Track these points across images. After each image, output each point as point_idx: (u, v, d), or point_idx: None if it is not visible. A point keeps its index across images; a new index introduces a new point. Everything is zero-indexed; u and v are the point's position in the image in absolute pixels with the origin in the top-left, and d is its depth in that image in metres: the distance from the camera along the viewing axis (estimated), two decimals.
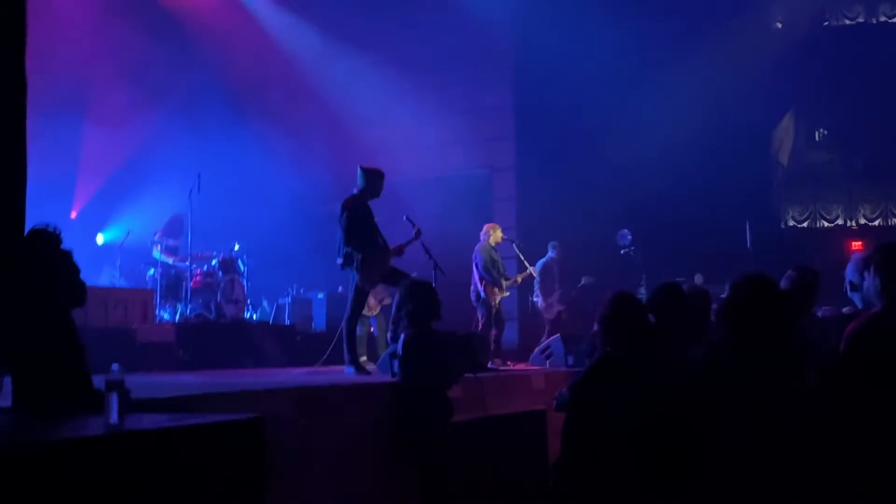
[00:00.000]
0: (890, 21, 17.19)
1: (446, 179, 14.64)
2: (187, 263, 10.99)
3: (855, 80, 16.29)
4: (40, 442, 2.83)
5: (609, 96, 14.06)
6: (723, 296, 3.73)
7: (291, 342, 11.11)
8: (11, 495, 2.47)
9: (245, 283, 11.45)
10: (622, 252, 12.96)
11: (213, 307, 10.85)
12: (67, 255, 3.96)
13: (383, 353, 7.93)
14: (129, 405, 3.28)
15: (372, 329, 10.53)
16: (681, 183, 14.26)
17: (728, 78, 14.40)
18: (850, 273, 4.03)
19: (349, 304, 7.44)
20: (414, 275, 7.61)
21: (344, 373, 7.32)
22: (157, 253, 11.36)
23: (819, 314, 5.68)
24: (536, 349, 9.83)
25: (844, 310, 5.58)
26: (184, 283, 10.96)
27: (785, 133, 17.44)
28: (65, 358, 3.78)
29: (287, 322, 12.07)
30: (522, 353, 11.07)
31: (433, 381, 5.83)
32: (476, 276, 10.07)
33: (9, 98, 4.12)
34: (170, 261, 11.33)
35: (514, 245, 10.88)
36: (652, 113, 14.02)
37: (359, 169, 7.60)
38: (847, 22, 17.23)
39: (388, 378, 6.54)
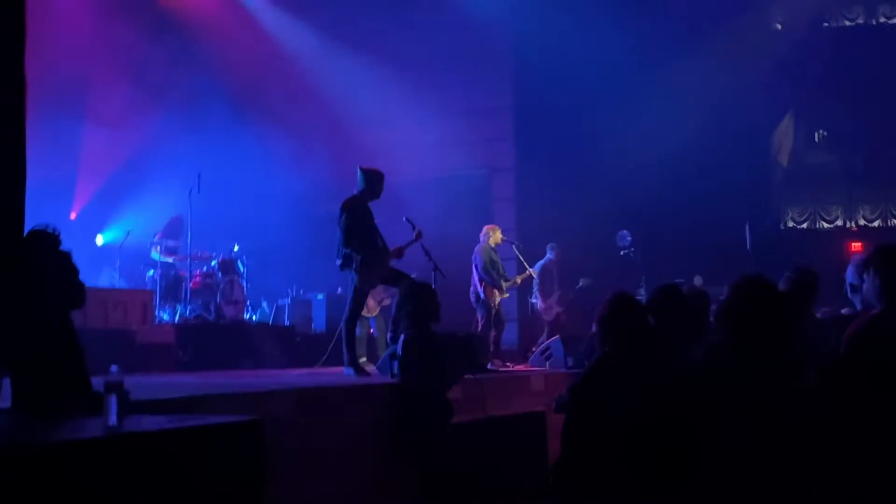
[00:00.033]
0: (890, 22, 17.17)
1: (446, 180, 14.63)
2: (187, 263, 11.00)
3: (855, 81, 16.27)
4: (39, 443, 2.83)
5: (609, 97, 14.06)
6: (722, 297, 3.73)
7: (291, 343, 11.10)
8: (11, 496, 2.47)
9: (244, 284, 11.44)
10: (622, 253, 12.96)
11: (212, 308, 10.85)
12: (67, 255, 3.97)
13: (383, 354, 7.94)
14: (129, 406, 3.28)
15: (371, 330, 10.53)
16: (680, 184, 14.26)
17: (728, 79, 14.40)
18: (850, 275, 4.04)
19: (348, 305, 7.43)
20: (414, 276, 7.62)
21: (343, 374, 7.32)
22: (155, 254, 11.35)
23: (818, 315, 5.68)
24: (536, 351, 9.83)
25: (843, 311, 5.59)
26: (183, 284, 10.96)
27: (784, 134, 17.43)
28: (64, 359, 3.77)
29: (286, 323, 12.06)
30: (522, 355, 11.07)
31: (433, 382, 5.83)
32: (475, 277, 10.06)
33: (8, 98, 4.12)
34: (170, 259, 11.33)
35: (513, 246, 10.87)
36: (651, 114, 14.01)
37: (358, 170, 7.60)
38: (847, 23, 17.21)
39: (387, 379, 6.54)
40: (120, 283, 11.35)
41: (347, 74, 14.32)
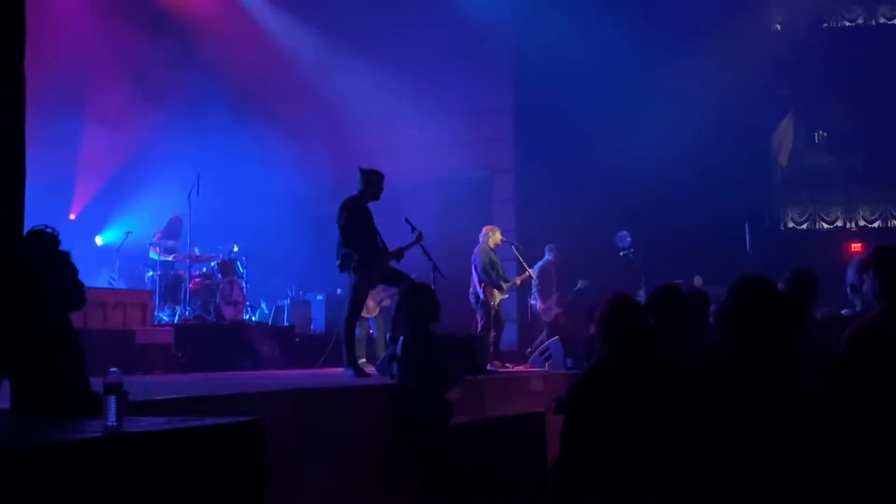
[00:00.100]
0: (889, 22, 17.16)
1: (445, 181, 14.63)
2: (187, 262, 11.00)
3: (855, 81, 16.27)
4: (39, 443, 2.83)
5: (609, 98, 14.06)
6: (722, 297, 3.73)
7: (290, 344, 11.11)
8: (10, 497, 2.46)
9: (244, 285, 11.44)
10: (621, 254, 12.97)
11: (211, 309, 10.85)
12: (66, 256, 3.96)
13: (383, 355, 7.94)
14: (128, 407, 3.28)
15: (371, 331, 10.54)
16: (680, 184, 14.27)
17: (727, 79, 14.40)
18: (851, 276, 4.03)
19: (347, 305, 7.43)
20: (413, 276, 7.61)
21: (343, 374, 7.32)
22: (154, 254, 11.34)
23: (818, 316, 5.68)
24: (535, 351, 9.84)
25: (843, 312, 5.59)
26: (183, 285, 10.97)
27: (784, 135, 17.42)
28: (63, 360, 3.77)
29: (286, 324, 12.06)
30: (521, 356, 11.07)
31: (432, 383, 5.83)
32: (475, 278, 10.06)
33: (8, 98, 4.11)
34: (169, 258, 11.33)
35: (513, 247, 10.86)
36: (651, 114, 14.01)
37: (358, 170, 7.60)
38: (846, 23, 17.21)
39: (387, 380, 6.53)
40: (119, 283, 11.35)
41: (347, 74, 14.32)
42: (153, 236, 11.53)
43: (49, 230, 3.90)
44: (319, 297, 12.52)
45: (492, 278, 9.99)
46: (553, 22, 14.16)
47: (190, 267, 11.04)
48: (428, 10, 14.14)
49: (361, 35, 14.40)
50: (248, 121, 13.48)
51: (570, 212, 13.71)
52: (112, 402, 3.15)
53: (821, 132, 17.67)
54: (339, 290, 11.50)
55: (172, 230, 11.55)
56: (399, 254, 7.56)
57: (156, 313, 10.63)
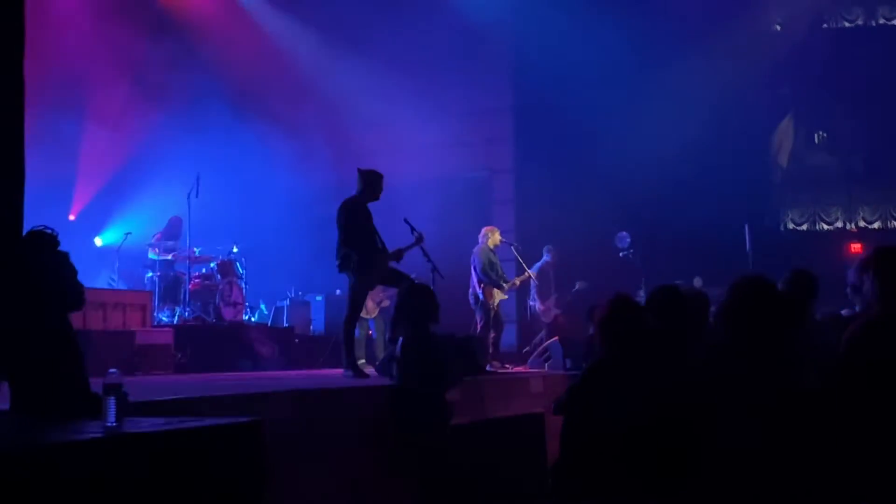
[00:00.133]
0: (889, 23, 17.16)
1: (445, 181, 14.62)
2: (186, 263, 11.00)
3: (854, 81, 16.27)
4: (39, 444, 2.83)
5: (608, 98, 14.06)
6: (722, 298, 3.73)
7: (290, 345, 11.11)
8: (10, 497, 2.46)
9: (243, 286, 11.44)
10: (621, 255, 12.97)
11: (211, 310, 10.85)
12: (65, 256, 3.96)
13: (382, 356, 7.93)
14: (128, 408, 3.28)
15: (370, 332, 10.53)
16: (680, 185, 14.26)
17: (727, 79, 14.40)
18: (851, 276, 4.03)
19: (347, 306, 7.43)
20: (413, 277, 7.61)
21: (342, 375, 7.31)
22: (153, 254, 11.34)
23: (818, 316, 5.68)
24: (533, 351, 9.84)
25: (843, 312, 5.59)
26: (182, 286, 10.97)
27: (784, 135, 17.42)
28: (63, 360, 3.77)
29: (285, 324, 12.06)
30: (521, 356, 11.07)
31: (432, 384, 5.82)
32: (474, 278, 10.05)
33: (7, 98, 4.11)
34: (169, 257, 11.33)
35: (512, 248, 10.86)
36: (651, 115, 14.01)
37: (357, 171, 7.60)
38: (846, 24, 17.21)
39: (386, 381, 6.53)
40: (119, 284, 11.35)
41: (347, 75, 14.32)
42: (153, 237, 11.53)
43: (48, 231, 3.89)
44: (319, 298, 12.52)
45: (491, 279, 9.98)
46: (553, 22, 14.16)
47: (189, 268, 11.04)
48: (428, 11, 14.14)
49: (361, 35, 14.41)
50: (248, 121, 13.48)
51: (570, 212, 13.70)
52: (112, 402, 3.15)
53: (821, 132, 17.67)
54: (338, 291, 11.49)
55: (172, 231, 11.55)
56: (399, 255, 7.56)
57: (155, 314, 10.64)
